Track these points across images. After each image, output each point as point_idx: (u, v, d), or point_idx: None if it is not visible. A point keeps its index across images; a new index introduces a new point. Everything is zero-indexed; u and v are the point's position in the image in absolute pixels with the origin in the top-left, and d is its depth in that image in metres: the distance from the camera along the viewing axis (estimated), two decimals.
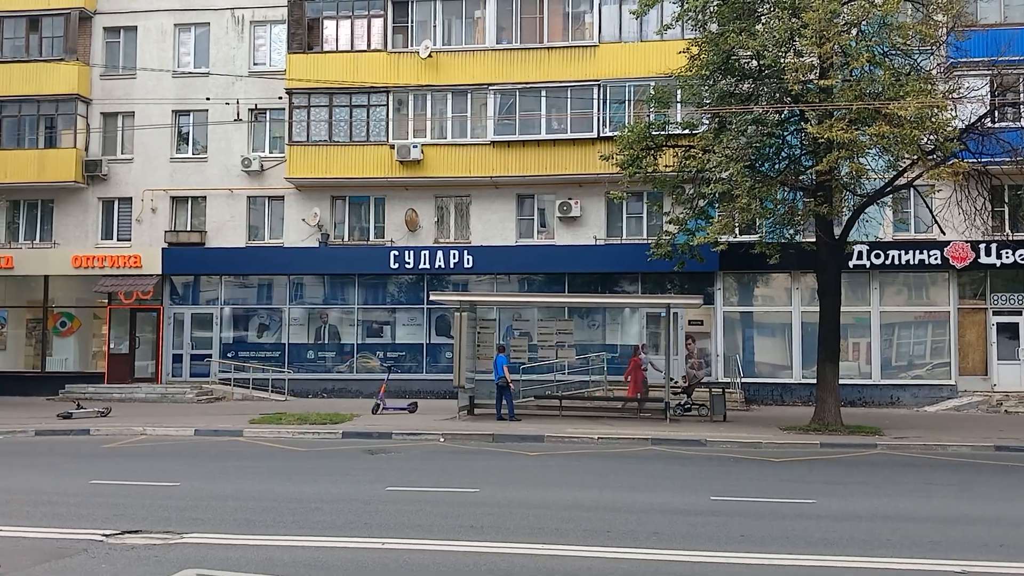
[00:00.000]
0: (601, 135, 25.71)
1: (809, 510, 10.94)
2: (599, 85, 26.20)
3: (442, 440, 18.33)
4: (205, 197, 28.58)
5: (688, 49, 20.23)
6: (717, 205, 20.34)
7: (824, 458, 16.06)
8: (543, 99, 26.60)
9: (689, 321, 26.21)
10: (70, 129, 28.44)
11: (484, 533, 9.32)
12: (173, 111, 28.50)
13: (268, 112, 28.41)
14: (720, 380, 24.98)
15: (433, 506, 11.01)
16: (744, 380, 25.63)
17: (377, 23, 27.62)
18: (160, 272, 28.14)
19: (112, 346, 28.56)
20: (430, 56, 26.81)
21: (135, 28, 28.88)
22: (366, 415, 21.88)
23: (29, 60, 28.41)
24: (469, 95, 27.08)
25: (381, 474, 13.94)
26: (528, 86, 26.60)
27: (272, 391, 27.27)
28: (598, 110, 26.15)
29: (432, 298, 24.22)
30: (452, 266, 27.13)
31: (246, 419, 20.83)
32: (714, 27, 19.76)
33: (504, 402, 21.27)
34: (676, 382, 23.48)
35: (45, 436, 19.06)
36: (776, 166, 19.88)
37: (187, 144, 28.94)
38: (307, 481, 13.11)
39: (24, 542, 8.88)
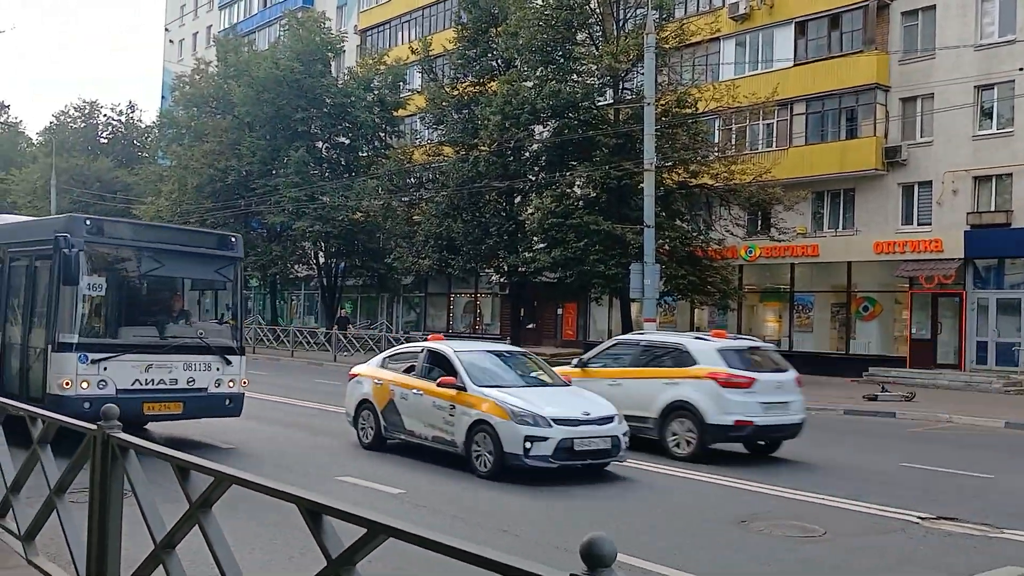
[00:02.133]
0: None
1: None
2: None
3: None
4: (1011, 174, 26.55)
5: None
6: None
7: None
8: None
9: None
10: (869, 118, 29.20)
11: None
12: (975, 87, 27.11)
13: None
14: None
15: None
16: None
17: None
18: (962, 256, 27.07)
19: (913, 331, 28.53)
20: None
21: (933, 7, 28.21)
22: None
23: (830, 57, 29.94)
24: None
25: None
26: None
27: None
28: None
29: None
30: None
31: None
32: None
33: None
34: None
35: (852, 416, 19.92)
36: None
37: (990, 119, 27.27)
38: None
39: (845, 513, 9.40)
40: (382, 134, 42.59)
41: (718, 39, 31.94)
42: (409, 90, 42.11)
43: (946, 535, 8.50)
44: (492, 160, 31.08)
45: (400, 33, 47.25)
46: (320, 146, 43.11)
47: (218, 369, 12.01)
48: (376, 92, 41.50)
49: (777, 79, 29.50)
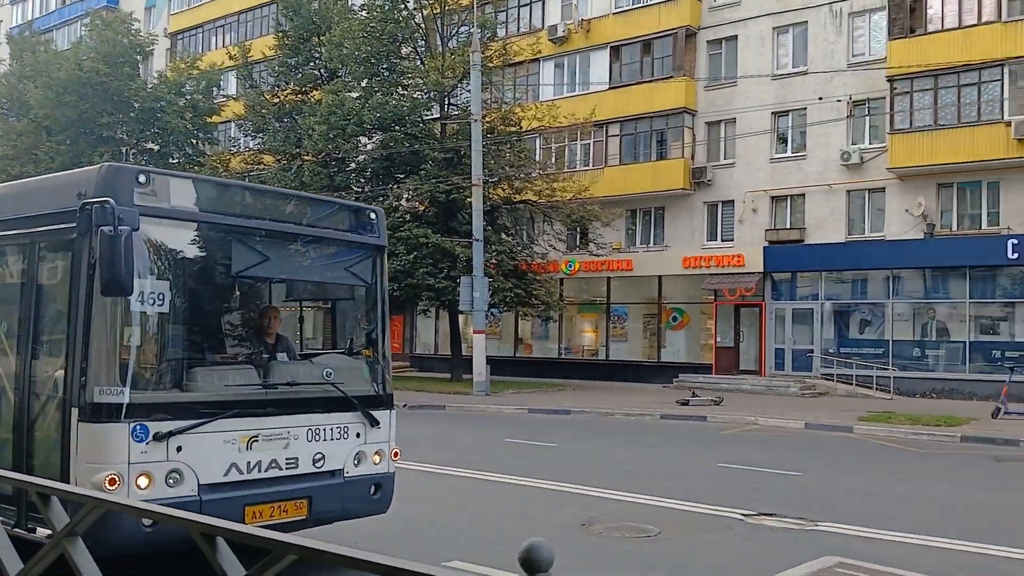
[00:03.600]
0: None
1: None
2: None
3: None
4: (804, 195, 28.92)
5: None
6: None
7: None
8: None
9: None
10: (678, 141, 30.98)
11: None
12: (772, 113, 29.36)
13: (867, 103, 27.75)
14: None
15: None
16: None
17: None
18: (761, 270, 29.19)
19: (718, 340, 30.47)
20: None
21: (735, 38, 30.33)
22: (985, 419, 20.09)
23: (642, 81, 31.53)
24: None
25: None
26: None
27: (876, 388, 26.54)
28: None
29: None
30: None
31: (853, 416, 20.60)
32: None
33: None
34: None
35: (669, 420, 21.04)
36: None
37: (785, 144, 29.58)
38: (927, 481, 12.59)
39: (676, 512, 9.99)
40: (195, 140, 40.96)
41: (539, 60, 32.92)
42: (224, 96, 40.75)
43: (769, 530, 9.19)
44: (316, 170, 30.53)
45: (214, 37, 45.71)
46: (126, 152, 40.84)
47: (358, 435, 7.07)
48: (189, 97, 39.90)
49: (594, 101, 30.79)
